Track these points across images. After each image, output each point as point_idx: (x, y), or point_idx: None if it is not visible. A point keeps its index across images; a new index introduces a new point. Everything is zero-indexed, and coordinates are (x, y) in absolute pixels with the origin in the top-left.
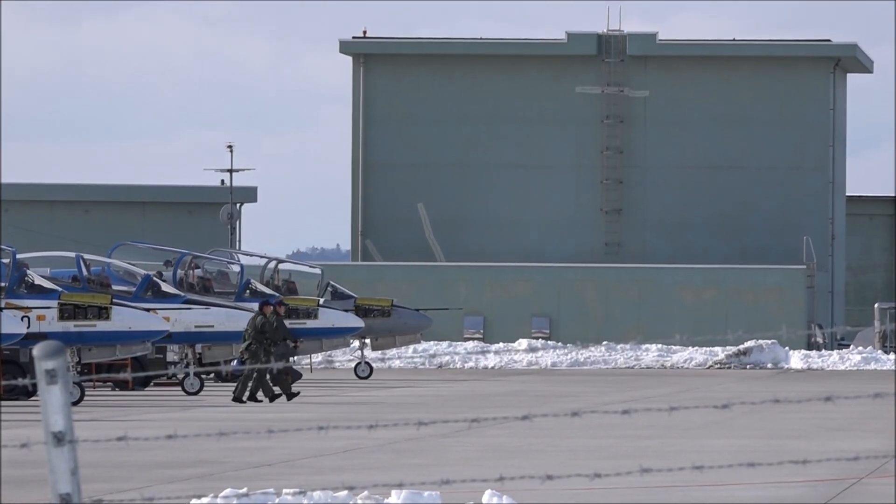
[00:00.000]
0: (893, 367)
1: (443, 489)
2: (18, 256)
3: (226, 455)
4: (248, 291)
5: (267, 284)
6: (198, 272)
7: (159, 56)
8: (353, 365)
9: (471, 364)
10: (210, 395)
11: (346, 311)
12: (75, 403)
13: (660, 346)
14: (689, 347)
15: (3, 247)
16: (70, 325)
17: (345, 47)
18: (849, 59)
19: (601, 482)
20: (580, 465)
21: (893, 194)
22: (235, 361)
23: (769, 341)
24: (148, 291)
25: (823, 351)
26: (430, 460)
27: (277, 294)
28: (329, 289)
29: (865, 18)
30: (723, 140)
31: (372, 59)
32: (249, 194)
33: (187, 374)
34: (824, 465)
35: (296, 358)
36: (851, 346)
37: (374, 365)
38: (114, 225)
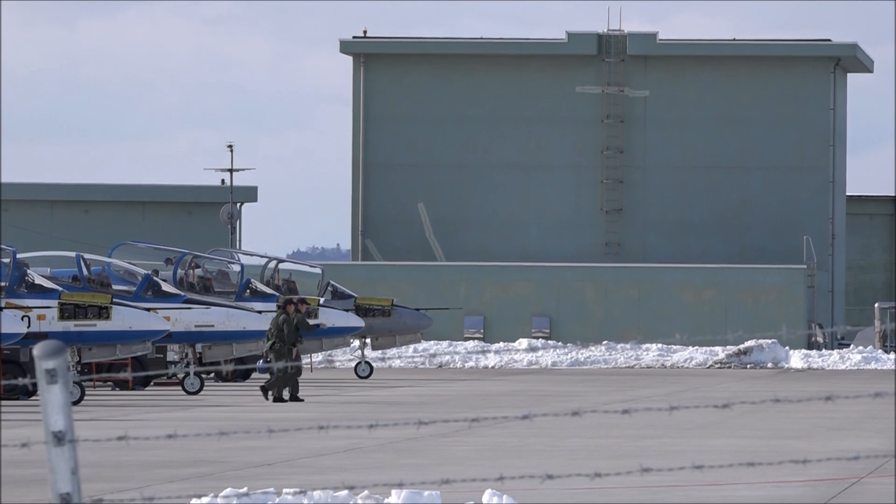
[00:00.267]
0: (893, 367)
1: (443, 489)
2: (18, 256)
3: (226, 455)
4: (248, 291)
5: (267, 284)
6: (198, 272)
7: (159, 56)
8: (353, 364)
9: (471, 364)
10: (210, 395)
11: (347, 310)
12: (75, 403)
13: (660, 345)
14: (689, 347)
15: (3, 247)
16: (70, 325)
17: (345, 47)
18: (849, 59)
19: (601, 482)
20: (580, 465)
21: (893, 194)
22: (261, 361)
23: (769, 341)
24: (148, 291)
25: (823, 351)
26: (430, 460)
27: (278, 294)
28: (329, 288)
29: (865, 18)
30: (723, 140)
31: (372, 59)
32: (249, 194)
33: (187, 374)
34: (824, 464)
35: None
36: (851, 346)
37: (374, 365)
38: (114, 225)
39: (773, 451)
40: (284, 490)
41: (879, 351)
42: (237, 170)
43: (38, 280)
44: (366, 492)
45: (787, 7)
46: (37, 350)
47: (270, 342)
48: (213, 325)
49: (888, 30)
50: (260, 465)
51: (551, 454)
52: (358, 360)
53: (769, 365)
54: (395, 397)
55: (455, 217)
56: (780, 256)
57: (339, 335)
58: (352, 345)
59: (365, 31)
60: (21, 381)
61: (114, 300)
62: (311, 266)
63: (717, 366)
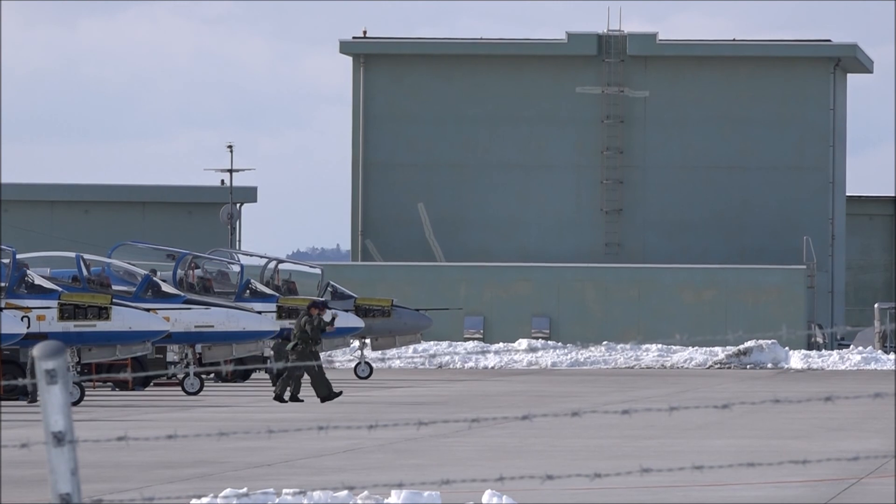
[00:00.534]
0: (893, 367)
1: (443, 489)
2: (18, 256)
3: (226, 455)
4: (247, 292)
5: (267, 284)
6: (198, 272)
7: (158, 56)
8: (353, 365)
9: (471, 364)
10: (210, 395)
11: (346, 310)
12: (75, 403)
13: (660, 346)
14: (689, 347)
15: (3, 247)
16: (70, 325)
17: (345, 47)
18: (849, 59)
19: (601, 482)
20: (580, 465)
21: (893, 194)
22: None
23: (769, 341)
24: (148, 291)
25: (823, 351)
26: (430, 460)
27: (278, 294)
28: (329, 289)
29: (865, 18)
30: (723, 140)
31: (372, 59)
32: (249, 194)
33: (187, 374)
34: (824, 465)
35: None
36: (851, 346)
37: (374, 365)
38: (114, 225)
39: (772, 452)
40: (284, 490)
41: (879, 351)
42: (237, 170)
43: (38, 280)
44: (366, 492)
45: (787, 7)
46: (36, 350)
47: (293, 343)
48: (212, 326)
49: (888, 30)
50: (260, 465)
51: (551, 454)
52: (357, 361)
53: (769, 365)
54: (394, 398)
55: (455, 217)
56: (780, 256)
57: (339, 336)
58: (351, 345)
59: (365, 32)
60: (21, 381)
61: (113, 301)
62: (310, 266)
63: (716, 366)
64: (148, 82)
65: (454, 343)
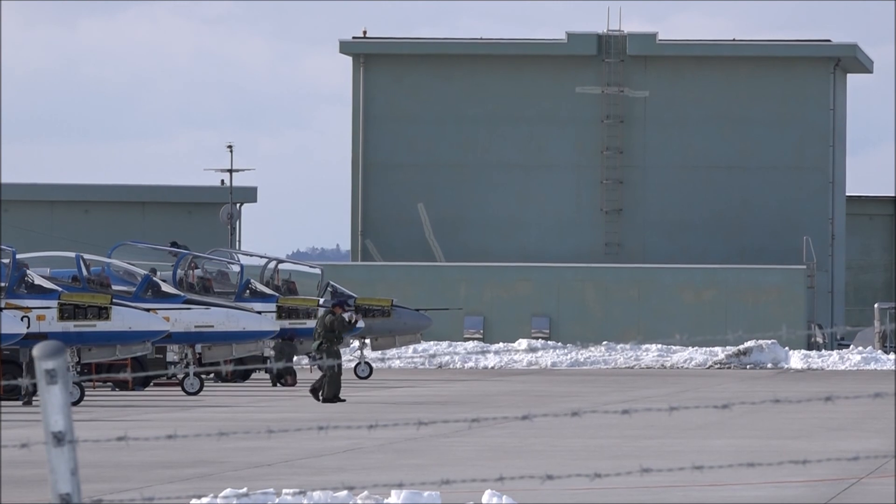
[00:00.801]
0: (893, 367)
1: (443, 489)
2: (18, 256)
3: (226, 455)
4: (247, 292)
5: (267, 284)
6: (198, 272)
7: (158, 56)
8: (353, 365)
9: (471, 364)
10: (210, 395)
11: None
12: (75, 403)
13: (660, 346)
14: (689, 347)
15: (3, 247)
16: (70, 325)
17: (345, 47)
18: (849, 59)
19: (601, 482)
20: (580, 465)
21: (893, 194)
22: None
23: (769, 341)
24: (148, 291)
25: (823, 351)
26: (430, 460)
27: (278, 294)
28: (329, 289)
29: (865, 18)
30: (723, 140)
31: (372, 59)
32: (249, 194)
33: (187, 374)
34: (824, 465)
35: (297, 357)
36: (851, 346)
37: (374, 365)
38: (114, 225)
39: (772, 452)
40: (284, 490)
41: (879, 351)
42: (237, 170)
43: (38, 280)
44: (366, 492)
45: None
46: (36, 350)
47: (318, 342)
48: (212, 326)
49: (888, 30)
50: (260, 465)
51: (551, 454)
52: (357, 361)
53: (769, 365)
54: (394, 398)
55: (455, 217)
56: (780, 256)
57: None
58: (351, 345)
59: (365, 32)
60: (21, 381)
61: (113, 300)
62: (310, 266)
63: (716, 366)
64: (148, 82)
65: (454, 343)
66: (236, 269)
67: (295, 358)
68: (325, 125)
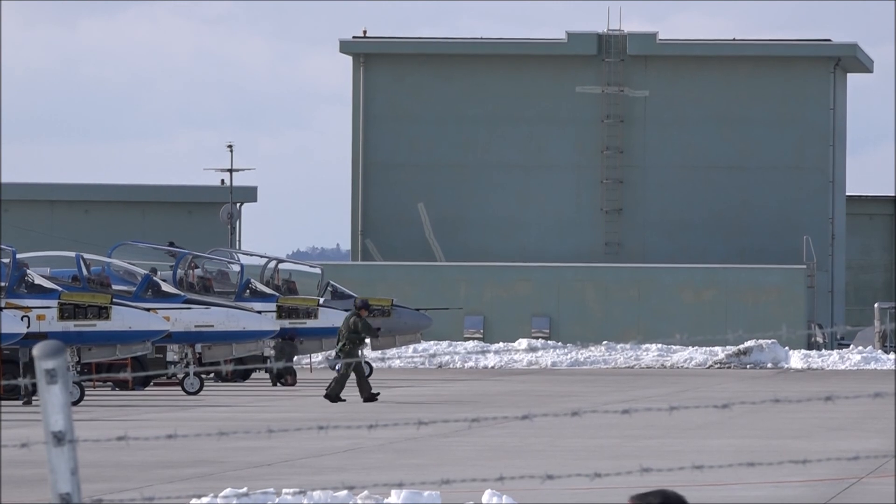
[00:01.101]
0: (893, 367)
1: (443, 489)
2: (18, 256)
3: (226, 455)
4: (247, 291)
5: (267, 284)
6: (198, 272)
7: (158, 56)
8: None
9: (471, 364)
10: (210, 395)
11: (346, 311)
12: (75, 403)
13: (660, 346)
14: (689, 347)
15: (3, 247)
16: (70, 325)
17: (345, 47)
18: (849, 59)
19: (601, 482)
20: (580, 465)
21: (893, 194)
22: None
23: (769, 341)
24: (148, 291)
25: (823, 351)
26: (430, 460)
27: (278, 294)
28: (329, 289)
29: (865, 18)
30: (723, 140)
31: (372, 59)
32: (249, 194)
33: (187, 374)
34: (824, 465)
35: (297, 357)
36: (851, 346)
37: (374, 365)
38: (114, 225)
39: (772, 451)
40: (284, 490)
41: (879, 351)
42: (237, 170)
43: (38, 280)
44: (366, 492)
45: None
46: (36, 350)
47: (341, 343)
48: (212, 326)
49: (888, 30)
50: (260, 465)
51: (551, 454)
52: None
53: (769, 365)
54: (394, 397)
55: (455, 217)
56: (779, 256)
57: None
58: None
59: (365, 31)
60: (21, 381)
61: (113, 300)
62: (310, 266)
63: (716, 366)
64: (148, 82)
65: (454, 343)
66: (236, 268)
67: (295, 357)
68: (326, 125)
